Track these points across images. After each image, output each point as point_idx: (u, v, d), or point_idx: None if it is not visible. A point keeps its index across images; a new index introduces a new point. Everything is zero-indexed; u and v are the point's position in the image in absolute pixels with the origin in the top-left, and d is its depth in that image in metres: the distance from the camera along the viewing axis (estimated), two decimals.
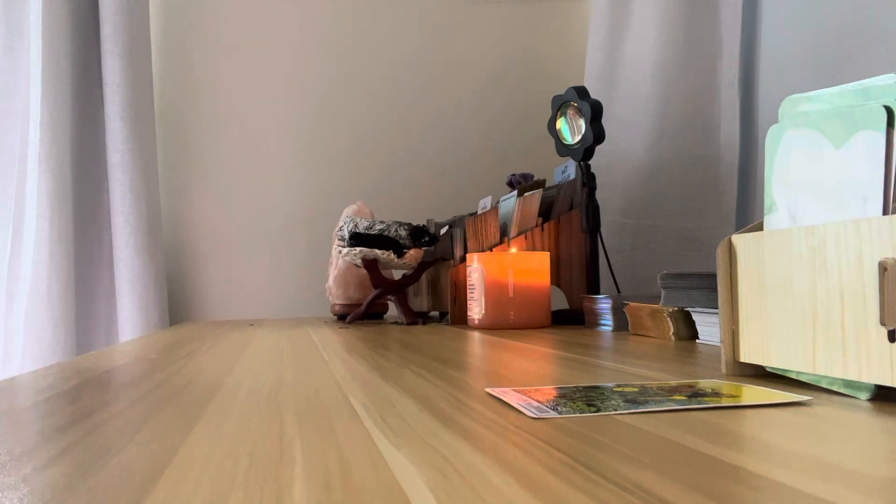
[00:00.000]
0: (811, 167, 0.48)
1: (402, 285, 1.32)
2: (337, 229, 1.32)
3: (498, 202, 1.32)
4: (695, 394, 0.44)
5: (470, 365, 0.66)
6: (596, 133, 1.21)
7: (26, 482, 0.27)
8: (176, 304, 1.75)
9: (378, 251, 1.23)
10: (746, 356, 0.52)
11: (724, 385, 0.47)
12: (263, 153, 1.80)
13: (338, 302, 1.48)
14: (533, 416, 0.38)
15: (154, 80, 1.72)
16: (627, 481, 0.26)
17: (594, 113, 1.21)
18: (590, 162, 1.24)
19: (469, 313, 1.13)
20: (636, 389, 0.46)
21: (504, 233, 1.26)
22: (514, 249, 1.20)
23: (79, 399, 0.48)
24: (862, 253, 0.41)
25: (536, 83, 1.84)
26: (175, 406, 0.44)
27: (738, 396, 0.43)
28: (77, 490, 0.26)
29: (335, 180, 1.80)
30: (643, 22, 1.48)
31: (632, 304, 0.95)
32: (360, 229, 1.25)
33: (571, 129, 1.26)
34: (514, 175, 1.45)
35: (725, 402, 0.41)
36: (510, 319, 1.09)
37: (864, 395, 0.42)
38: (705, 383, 0.48)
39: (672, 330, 0.85)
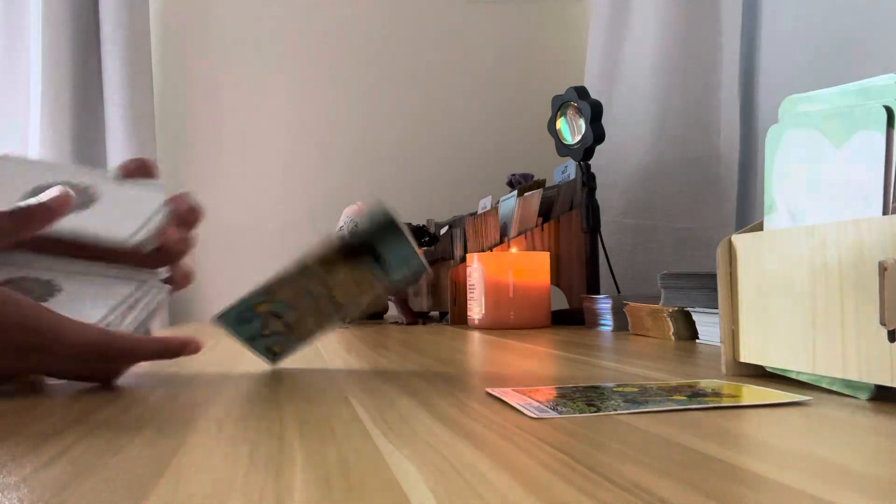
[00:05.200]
0: (811, 167, 0.48)
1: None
2: (337, 229, 1.32)
3: (498, 202, 1.32)
4: (695, 394, 0.44)
5: (470, 365, 0.66)
6: (596, 133, 1.21)
7: (26, 482, 0.27)
8: (176, 305, 1.75)
9: None
10: (746, 356, 0.52)
11: (724, 385, 0.47)
12: (263, 153, 1.80)
13: None
14: (533, 416, 0.38)
15: (154, 80, 1.72)
16: (627, 481, 0.26)
17: (594, 113, 1.21)
18: (590, 162, 1.24)
19: (469, 313, 1.13)
20: (636, 389, 0.46)
21: (504, 233, 1.26)
22: (514, 249, 1.20)
23: (79, 399, 0.48)
24: (862, 253, 0.41)
25: (536, 83, 1.84)
26: (175, 406, 0.44)
27: (738, 396, 0.43)
28: (77, 490, 0.26)
29: (335, 180, 1.80)
30: (643, 22, 1.48)
31: (632, 304, 0.95)
32: None
33: (571, 129, 1.26)
34: (514, 175, 1.45)
35: (725, 402, 0.41)
36: (510, 319, 1.09)
37: (864, 395, 0.42)
38: (705, 383, 0.48)
39: (672, 330, 0.85)
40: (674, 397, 0.43)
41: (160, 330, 1.58)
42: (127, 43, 1.64)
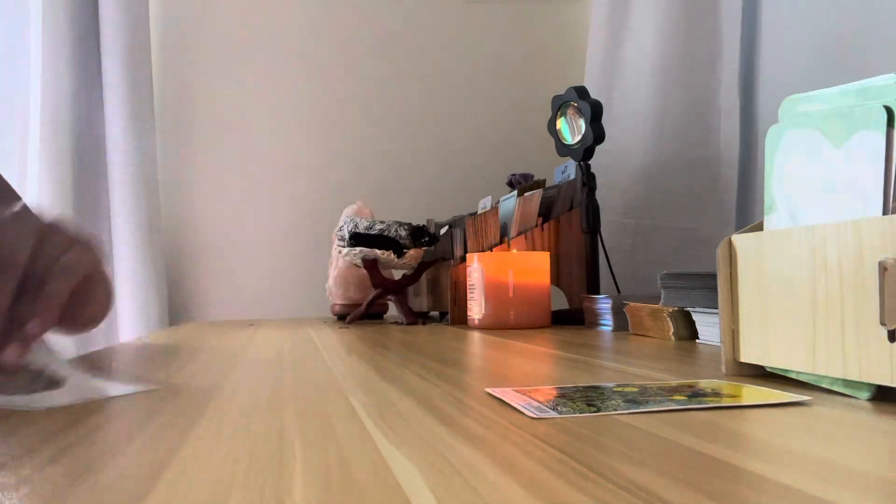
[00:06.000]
0: (811, 167, 0.48)
1: (402, 285, 1.32)
2: (337, 229, 1.32)
3: (498, 202, 1.32)
4: (695, 394, 0.44)
5: (470, 365, 0.66)
6: (596, 133, 1.20)
7: (26, 482, 0.27)
8: (176, 305, 1.75)
9: (378, 251, 1.23)
10: (746, 356, 0.52)
11: (724, 385, 0.47)
12: (263, 153, 1.80)
13: (338, 302, 1.48)
14: (533, 417, 0.38)
15: (154, 80, 1.72)
16: (627, 481, 0.26)
17: (594, 113, 1.21)
18: (590, 162, 1.24)
19: (469, 313, 1.13)
20: (636, 389, 0.46)
21: (504, 233, 1.26)
22: (514, 250, 1.20)
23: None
24: (862, 253, 0.41)
25: (536, 83, 1.84)
26: (175, 406, 0.44)
27: (738, 396, 0.43)
28: (77, 490, 0.26)
29: (335, 180, 1.80)
30: (643, 22, 1.48)
31: (632, 304, 0.95)
32: (360, 229, 1.25)
33: (571, 129, 1.26)
34: (514, 175, 1.45)
35: (725, 402, 0.41)
36: (510, 319, 1.09)
37: (864, 395, 0.42)
38: (705, 383, 0.48)
39: (672, 330, 0.85)
40: (674, 397, 0.43)
41: (156, 330, 1.58)
42: (127, 43, 1.64)
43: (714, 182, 1.28)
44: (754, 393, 0.44)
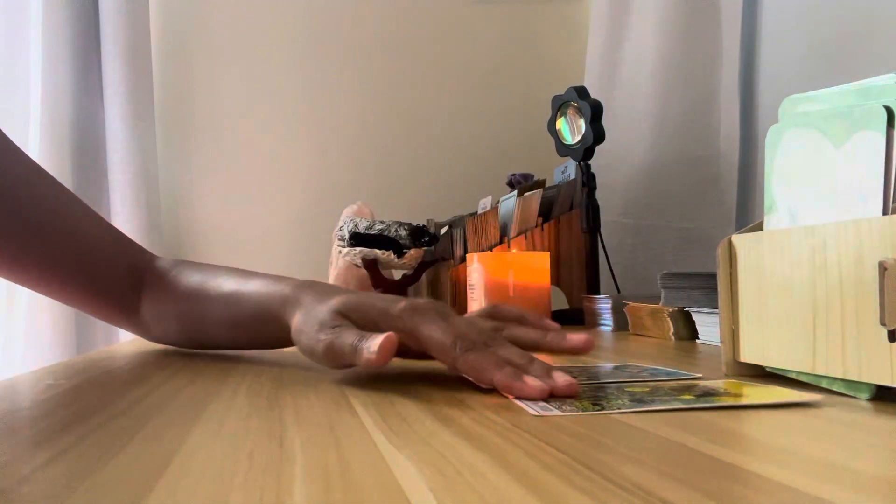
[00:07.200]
0: (811, 167, 0.48)
1: (402, 285, 1.32)
2: (337, 229, 1.32)
3: (498, 202, 1.32)
4: (704, 393, 0.44)
5: None
6: (596, 133, 1.20)
7: (26, 482, 0.27)
8: None
9: (378, 251, 1.23)
10: (746, 356, 0.52)
11: (732, 384, 0.47)
12: (263, 153, 1.80)
13: None
14: (535, 414, 0.38)
15: (154, 80, 1.72)
16: (628, 481, 0.26)
17: (594, 113, 1.21)
18: (590, 162, 1.24)
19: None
20: (646, 389, 0.46)
21: (504, 233, 1.26)
22: (514, 249, 1.20)
23: (79, 399, 0.48)
24: (862, 253, 0.41)
25: (536, 83, 1.84)
26: (175, 406, 0.44)
27: (746, 396, 0.43)
28: (77, 490, 0.26)
29: (335, 180, 1.80)
30: (643, 22, 1.48)
31: (632, 304, 0.95)
32: (360, 229, 1.25)
33: (571, 129, 1.26)
34: (514, 175, 1.45)
35: (734, 402, 0.41)
36: None
37: (864, 395, 0.42)
38: (713, 383, 0.48)
39: (672, 330, 0.85)
40: (682, 396, 0.42)
41: None
42: (127, 43, 1.64)
43: (714, 182, 1.28)
44: (763, 392, 0.44)
